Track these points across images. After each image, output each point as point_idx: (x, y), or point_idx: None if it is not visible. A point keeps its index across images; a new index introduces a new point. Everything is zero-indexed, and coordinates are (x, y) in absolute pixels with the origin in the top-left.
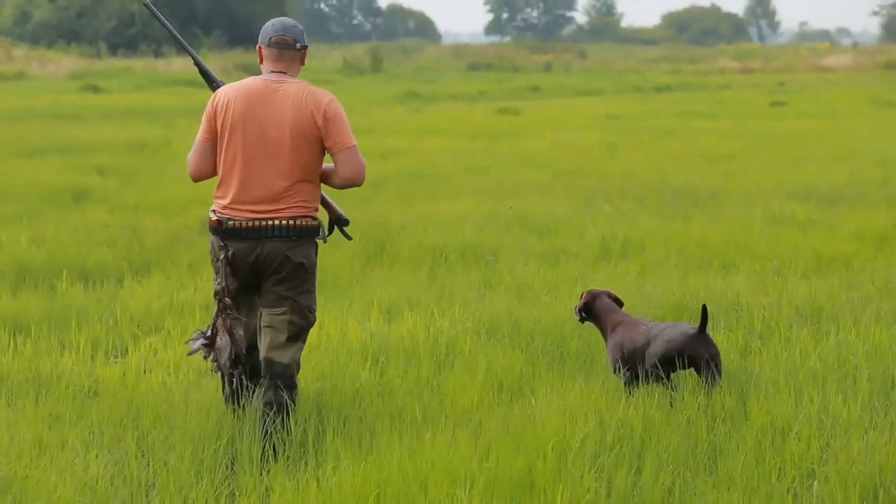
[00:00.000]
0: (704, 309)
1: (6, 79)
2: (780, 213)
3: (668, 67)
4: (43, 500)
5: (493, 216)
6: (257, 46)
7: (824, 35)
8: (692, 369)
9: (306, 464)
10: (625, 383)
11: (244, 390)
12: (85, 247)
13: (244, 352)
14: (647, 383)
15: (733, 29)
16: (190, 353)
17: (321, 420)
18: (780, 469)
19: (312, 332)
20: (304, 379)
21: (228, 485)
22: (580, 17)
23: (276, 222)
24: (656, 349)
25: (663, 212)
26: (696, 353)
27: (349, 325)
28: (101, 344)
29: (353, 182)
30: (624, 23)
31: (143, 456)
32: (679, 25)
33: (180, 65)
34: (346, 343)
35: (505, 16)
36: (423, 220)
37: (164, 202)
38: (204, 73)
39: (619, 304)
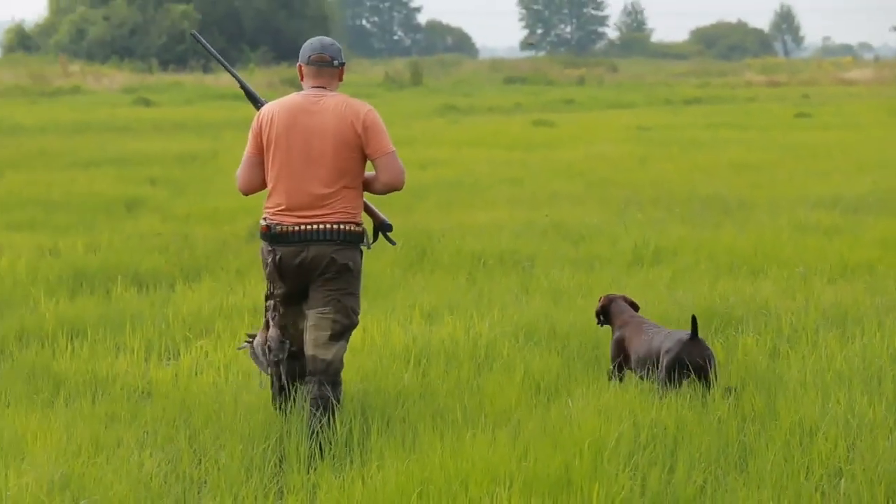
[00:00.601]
0: (694, 319)
1: (63, 93)
2: (806, 221)
3: (696, 81)
4: (100, 497)
5: (529, 224)
6: (297, 65)
7: (847, 49)
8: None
9: (351, 462)
10: (611, 372)
11: (289, 389)
12: (138, 253)
13: (281, 353)
14: (665, 389)
15: (759, 44)
16: (239, 348)
17: (365, 420)
18: (808, 468)
19: (356, 335)
20: (348, 380)
21: (277, 482)
22: (612, 32)
23: (322, 226)
24: (663, 362)
25: (693, 220)
26: (691, 359)
27: (392, 328)
28: (155, 346)
29: (394, 186)
30: (654, 38)
31: (194, 454)
32: (707, 40)
33: (228, 79)
34: (389, 346)
35: (539, 31)
36: (462, 228)
37: (214, 211)
38: (248, 93)
39: (635, 307)
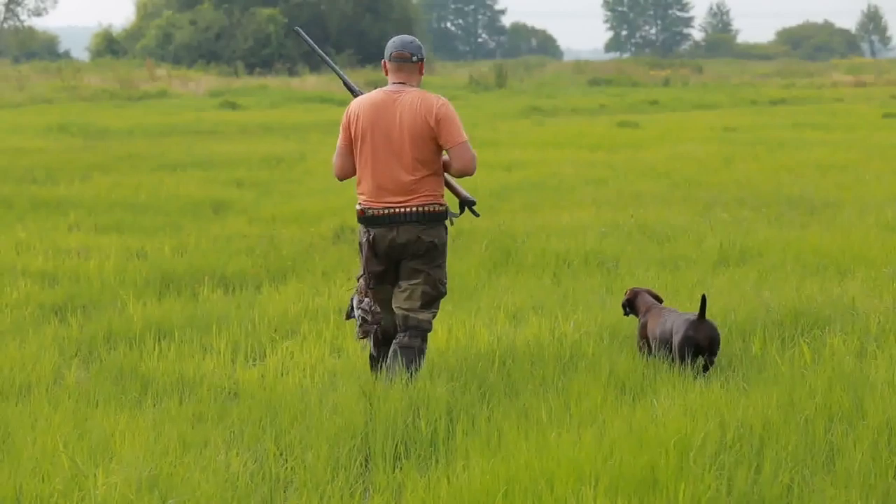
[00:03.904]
0: (703, 299)
1: (150, 97)
2: (894, 220)
3: (782, 81)
4: (187, 496)
5: (614, 224)
6: (382, 61)
7: None
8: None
9: (437, 462)
10: (641, 353)
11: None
12: (225, 255)
13: (374, 317)
14: (677, 365)
15: (846, 44)
16: (346, 318)
17: (451, 420)
18: None
19: (442, 335)
20: (434, 379)
21: (362, 482)
22: (697, 33)
23: (408, 209)
24: (674, 340)
25: (780, 220)
26: (696, 337)
27: (477, 328)
28: (241, 347)
29: (466, 172)
30: (739, 39)
31: (281, 454)
32: (793, 41)
33: (313, 82)
34: (474, 346)
35: (624, 33)
36: (547, 229)
37: (300, 213)
38: (347, 85)
39: (660, 300)
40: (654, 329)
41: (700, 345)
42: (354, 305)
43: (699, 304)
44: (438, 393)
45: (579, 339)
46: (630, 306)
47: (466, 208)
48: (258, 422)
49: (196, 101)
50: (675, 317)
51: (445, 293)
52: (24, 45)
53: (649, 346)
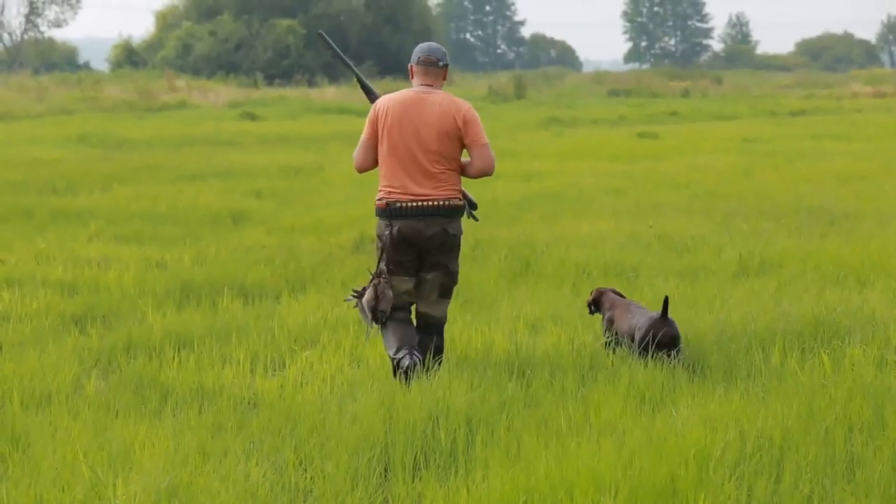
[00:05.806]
0: (665, 299)
1: (169, 108)
2: None
3: (802, 92)
4: None
5: (633, 235)
6: (409, 65)
7: None
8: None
9: (456, 471)
10: (605, 345)
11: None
12: (244, 265)
13: (388, 308)
14: (640, 358)
15: (866, 55)
16: (346, 300)
17: (470, 429)
18: None
19: (461, 345)
20: (454, 391)
21: (382, 492)
22: (717, 44)
23: (434, 203)
24: (636, 336)
25: (799, 230)
26: (657, 335)
27: (496, 338)
28: (260, 358)
29: (486, 172)
30: (759, 50)
31: (300, 464)
32: (812, 52)
33: (332, 93)
34: (494, 355)
35: (644, 44)
36: (566, 239)
37: (319, 223)
38: (364, 86)
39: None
40: (622, 323)
41: (660, 342)
42: (365, 306)
43: (662, 304)
44: (458, 402)
45: (599, 349)
46: (595, 305)
47: (467, 211)
48: (277, 432)
49: (215, 111)
50: (641, 313)
51: (457, 282)
52: (44, 57)
53: (617, 339)
